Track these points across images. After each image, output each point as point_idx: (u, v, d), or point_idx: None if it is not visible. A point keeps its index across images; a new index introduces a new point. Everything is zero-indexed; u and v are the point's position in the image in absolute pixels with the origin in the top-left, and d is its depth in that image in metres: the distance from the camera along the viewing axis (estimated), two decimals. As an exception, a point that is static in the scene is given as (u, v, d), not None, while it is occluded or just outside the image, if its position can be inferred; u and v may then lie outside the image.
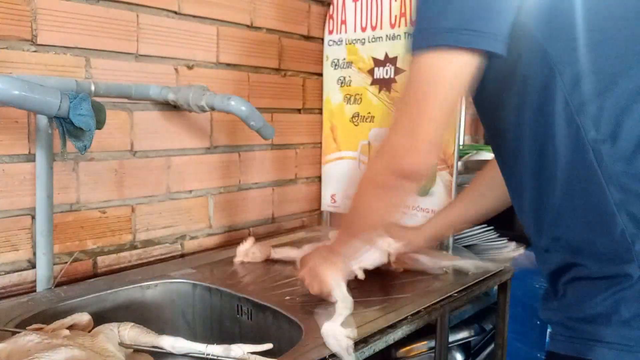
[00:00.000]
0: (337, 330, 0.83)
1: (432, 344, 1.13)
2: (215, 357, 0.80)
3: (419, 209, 1.43)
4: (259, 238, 1.55)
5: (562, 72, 0.66)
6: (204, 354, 0.80)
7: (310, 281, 0.99)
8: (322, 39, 1.71)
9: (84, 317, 0.88)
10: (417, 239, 1.16)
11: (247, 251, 1.29)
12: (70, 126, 1.01)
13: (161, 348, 0.83)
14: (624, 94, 0.65)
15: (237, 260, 1.29)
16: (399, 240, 1.13)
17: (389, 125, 0.72)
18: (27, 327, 0.84)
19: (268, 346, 0.81)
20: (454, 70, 0.65)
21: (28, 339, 0.73)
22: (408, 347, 1.15)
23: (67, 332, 0.81)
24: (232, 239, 1.51)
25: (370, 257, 1.10)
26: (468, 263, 1.20)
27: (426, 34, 0.66)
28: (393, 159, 0.71)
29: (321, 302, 1.00)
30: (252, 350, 0.80)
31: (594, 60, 0.66)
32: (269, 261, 1.29)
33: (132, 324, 0.86)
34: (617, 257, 0.66)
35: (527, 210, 0.77)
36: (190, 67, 1.37)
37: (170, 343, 0.82)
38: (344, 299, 0.92)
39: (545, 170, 0.71)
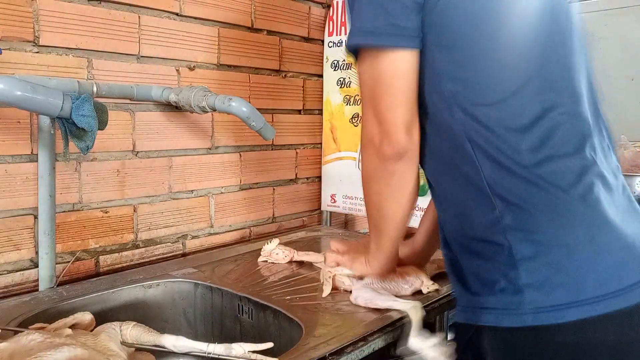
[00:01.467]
0: (425, 342, 0.85)
1: (431, 342, 1.14)
2: (216, 356, 0.80)
3: (418, 208, 1.43)
4: (259, 238, 1.56)
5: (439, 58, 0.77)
6: (205, 352, 0.81)
7: (350, 259, 1.05)
8: (322, 41, 1.72)
9: (86, 317, 0.88)
10: (411, 256, 1.13)
11: (271, 252, 1.29)
12: (72, 127, 1.02)
13: (163, 347, 0.84)
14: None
15: (260, 259, 1.30)
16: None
17: (362, 122, 0.83)
18: (30, 326, 0.84)
19: (269, 345, 0.82)
20: (392, 64, 0.77)
21: (31, 338, 0.74)
22: (407, 345, 1.16)
23: (69, 331, 0.81)
24: (233, 238, 1.52)
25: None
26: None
27: (360, 34, 0.79)
28: (374, 148, 0.81)
29: (319, 302, 1.01)
30: (253, 349, 0.80)
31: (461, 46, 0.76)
32: (291, 263, 1.28)
33: (134, 323, 0.87)
34: (490, 231, 0.75)
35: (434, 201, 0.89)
36: (191, 69, 1.37)
37: (172, 342, 0.83)
38: (408, 306, 0.93)
39: (437, 155, 0.83)
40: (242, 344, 0.80)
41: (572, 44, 0.79)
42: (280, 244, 1.31)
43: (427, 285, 1.06)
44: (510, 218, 0.74)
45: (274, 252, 1.28)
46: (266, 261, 1.29)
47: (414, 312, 0.91)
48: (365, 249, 1.01)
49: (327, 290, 1.04)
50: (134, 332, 0.85)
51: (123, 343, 0.84)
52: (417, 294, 1.05)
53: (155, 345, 0.84)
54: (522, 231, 0.73)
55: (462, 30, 0.75)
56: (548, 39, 0.77)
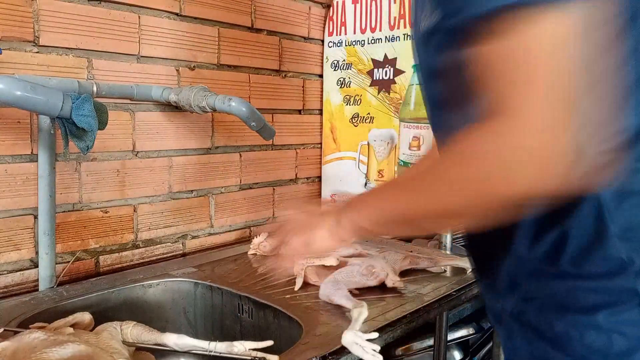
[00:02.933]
0: (358, 337, 0.82)
1: (431, 342, 1.14)
2: (218, 354, 0.80)
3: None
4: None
5: None
6: (207, 350, 0.81)
7: (297, 229, 0.75)
8: (322, 41, 1.72)
9: (85, 317, 0.88)
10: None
11: (259, 244, 1.32)
12: (72, 127, 1.02)
13: (165, 345, 0.84)
14: None
15: (250, 252, 1.33)
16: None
17: (482, 121, 0.49)
18: (30, 326, 0.84)
19: (269, 343, 0.82)
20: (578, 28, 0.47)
21: (34, 336, 0.74)
22: (407, 345, 1.16)
23: (71, 329, 0.81)
24: (233, 238, 1.52)
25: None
26: (467, 262, 1.21)
27: None
28: (524, 174, 0.47)
29: (319, 301, 1.01)
30: (254, 347, 0.80)
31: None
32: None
33: (135, 322, 0.87)
34: (613, 280, 0.57)
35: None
36: (191, 69, 1.37)
37: (174, 340, 0.83)
38: (356, 305, 0.90)
39: None
40: (243, 342, 0.80)
41: None
42: (268, 237, 1.33)
43: (393, 280, 1.07)
44: None
45: (262, 245, 1.32)
46: (255, 254, 1.32)
47: (358, 311, 0.88)
48: (325, 212, 0.74)
49: (298, 283, 1.05)
50: (134, 331, 0.85)
51: (124, 342, 0.84)
52: (382, 286, 1.07)
53: (157, 344, 0.84)
54: None
55: None
56: None
